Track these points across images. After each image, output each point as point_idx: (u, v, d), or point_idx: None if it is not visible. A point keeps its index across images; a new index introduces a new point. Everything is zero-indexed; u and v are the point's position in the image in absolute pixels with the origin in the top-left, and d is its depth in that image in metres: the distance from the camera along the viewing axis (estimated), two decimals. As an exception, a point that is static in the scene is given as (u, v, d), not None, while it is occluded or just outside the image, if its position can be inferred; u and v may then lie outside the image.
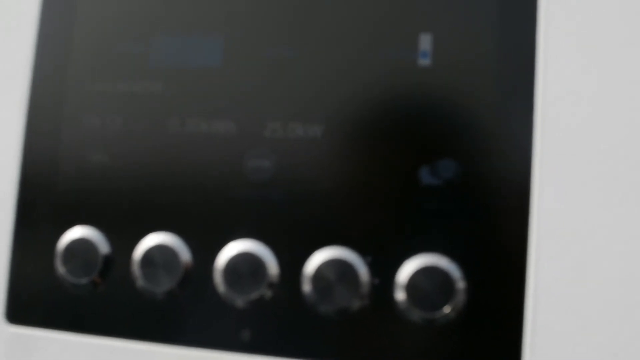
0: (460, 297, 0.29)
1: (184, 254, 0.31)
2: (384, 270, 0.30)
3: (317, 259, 0.30)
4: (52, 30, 0.34)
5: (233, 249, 0.31)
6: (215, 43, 0.32)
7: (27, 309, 0.33)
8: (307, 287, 0.30)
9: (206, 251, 0.31)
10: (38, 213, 0.33)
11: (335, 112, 0.31)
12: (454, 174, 0.30)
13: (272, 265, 0.30)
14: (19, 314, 0.33)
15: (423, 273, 0.29)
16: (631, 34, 0.29)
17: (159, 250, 0.31)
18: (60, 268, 0.32)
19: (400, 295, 0.29)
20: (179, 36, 0.33)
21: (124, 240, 0.32)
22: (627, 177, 0.28)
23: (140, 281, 0.31)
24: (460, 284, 0.29)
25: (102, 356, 0.32)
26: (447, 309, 0.29)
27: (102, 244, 0.32)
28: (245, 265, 0.30)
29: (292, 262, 0.31)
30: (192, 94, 0.32)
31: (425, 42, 0.30)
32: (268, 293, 0.30)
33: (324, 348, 0.30)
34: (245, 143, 0.31)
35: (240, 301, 0.30)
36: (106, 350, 0.32)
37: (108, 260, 0.32)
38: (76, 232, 0.32)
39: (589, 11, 0.29)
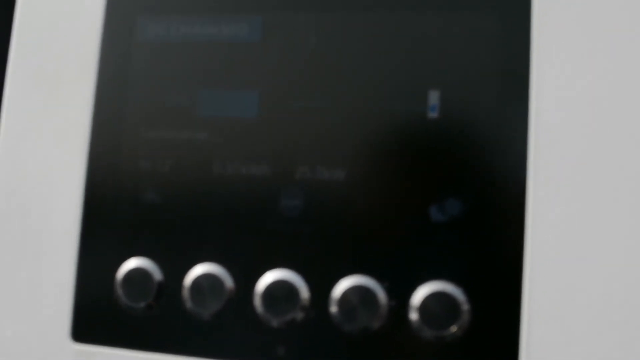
0: (466, 318, 0.31)
1: (228, 281, 0.34)
2: (400, 295, 0.32)
3: (343, 285, 0.33)
4: (109, 85, 0.37)
5: (270, 276, 0.33)
6: (251, 97, 0.35)
7: (90, 329, 0.35)
8: (333, 309, 0.33)
9: (247, 279, 0.34)
10: (99, 245, 0.36)
11: (356, 157, 0.33)
12: (459, 211, 0.32)
13: (304, 291, 0.33)
14: (82, 333, 0.35)
15: (433, 297, 0.31)
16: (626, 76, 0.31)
17: (206, 278, 0.34)
18: (120, 293, 0.35)
19: (413, 316, 0.32)
20: (221, 90, 0.35)
21: (175, 269, 0.34)
22: (616, 211, 0.31)
23: (189, 304, 0.34)
24: (465, 307, 0.31)
25: (156, 369, 0.34)
26: (454, 328, 0.31)
27: (156, 273, 0.35)
28: (280, 290, 0.33)
29: (320, 288, 0.33)
30: (232, 142, 0.35)
31: (434, 97, 0.33)
32: (300, 314, 0.33)
33: None
34: (279, 184, 0.34)
35: (275, 321, 0.33)
36: (159, 364, 0.34)
37: (161, 286, 0.35)
38: (133, 262, 0.35)
39: (584, 74, 0.32)
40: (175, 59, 0.36)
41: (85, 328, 0.36)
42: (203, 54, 0.36)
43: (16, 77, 0.39)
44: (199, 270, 0.34)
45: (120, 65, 0.37)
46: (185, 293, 0.34)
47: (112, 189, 0.36)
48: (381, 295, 0.32)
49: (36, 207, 0.37)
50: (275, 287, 0.33)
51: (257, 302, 0.34)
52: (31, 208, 0.37)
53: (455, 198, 0.32)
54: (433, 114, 0.33)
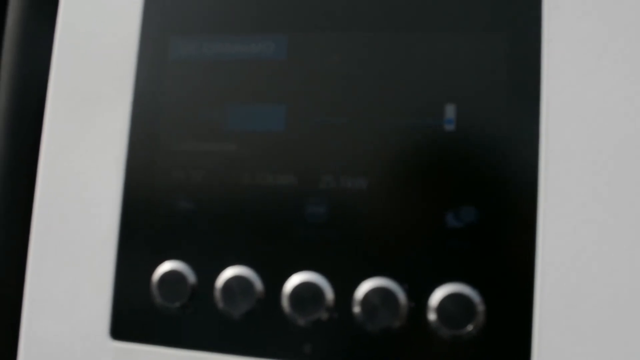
0: (481, 318, 0.33)
1: (257, 283, 0.35)
2: (419, 296, 0.34)
3: (365, 287, 0.34)
4: (144, 101, 0.39)
5: (297, 279, 0.35)
6: (279, 111, 0.37)
7: (128, 328, 0.37)
8: (356, 309, 0.34)
9: (275, 281, 0.35)
10: (136, 249, 0.37)
11: (377, 168, 0.35)
12: (474, 218, 0.34)
13: (329, 292, 0.35)
14: (121, 332, 0.37)
15: (450, 298, 0.33)
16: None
17: (237, 280, 0.35)
18: (156, 294, 0.36)
19: (432, 316, 0.33)
20: (250, 105, 0.37)
21: (208, 272, 0.36)
22: (624, 216, 0.32)
23: (221, 305, 0.36)
24: (481, 307, 0.33)
25: (189, 366, 0.36)
26: (470, 327, 0.33)
27: (190, 275, 0.36)
28: (306, 292, 0.34)
29: (344, 290, 0.34)
30: (261, 153, 0.36)
31: (450, 111, 0.35)
32: (325, 314, 0.34)
33: (371, 359, 0.34)
34: (305, 193, 0.36)
35: (302, 321, 0.35)
36: (193, 361, 0.36)
37: (195, 288, 0.36)
38: (168, 265, 0.37)
39: (593, 87, 0.33)
40: (206, 75, 0.38)
41: (124, 327, 0.37)
42: (233, 70, 0.38)
43: (57, 93, 0.41)
44: (230, 272, 0.36)
45: (155, 82, 0.39)
46: (217, 294, 0.36)
47: (148, 197, 0.38)
48: (401, 296, 0.34)
49: (78, 216, 0.39)
50: (302, 289, 0.35)
51: (285, 302, 0.35)
52: (73, 217, 0.39)
53: (471, 205, 0.34)
54: (449, 127, 0.35)
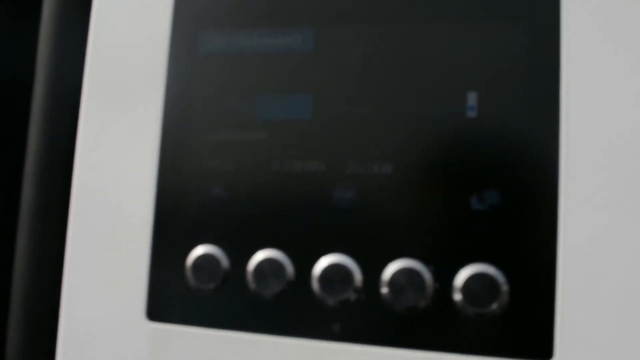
0: (504, 297, 0.34)
1: (288, 265, 0.37)
2: (444, 277, 0.35)
3: (392, 268, 0.35)
4: (177, 93, 0.40)
5: (326, 261, 0.36)
6: (306, 101, 0.38)
7: (164, 309, 0.38)
8: (384, 290, 0.35)
9: (305, 263, 0.36)
10: (171, 235, 0.39)
11: (402, 154, 0.36)
12: (497, 201, 0.35)
13: (357, 273, 0.36)
14: (157, 313, 0.38)
15: (475, 278, 0.34)
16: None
17: (268, 263, 0.36)
18: (190, 277, 0.38)
19: (457, 296, 0.34)
20: (278, 95, 0.38)
21: (240, 255, 0.37)
22: None
23: (253, 286, 0.37)
24: (504, 287, 0.34)
25: (222, 345, 0.37)
26: (494, 306, 0.34)
27: (223, 259, 0.37)
28: (335, 273, 0.36)
29: (372, 271, 0.35)
30: (289, 141, 0.38)
31: (472, 98, 0.36)
32: (353, 295, 0.36)
33: (398, 338, 0.35)
34: (332, 179, 0.37)
35: (331, 301, 0.36)
36: (226, 340, 0.37)
37: (227, 271, 0.37)
38: (201, 249, 0.38)
39: (610, 76, 0.34)
40: (235, 68, 0.39)
41: (159, 308, 0.39)
42: (261, 63, 0.39)
43: (92, 87, 0.42)
44: (261, 255, 0.37)
45: (186, 75, 0.40)
46: (249, 276, 0.37)
47: (182, 185, 0.39)
48: (427, 277, 0.35)
49: (115, 204, 0.40)
50: (331, 271, 0.36)
51: (315, 284, 0.36)
52: (110, 204, 0.40)
53: (493, 189, 0.35)
54: (472, 114, 0.36)
